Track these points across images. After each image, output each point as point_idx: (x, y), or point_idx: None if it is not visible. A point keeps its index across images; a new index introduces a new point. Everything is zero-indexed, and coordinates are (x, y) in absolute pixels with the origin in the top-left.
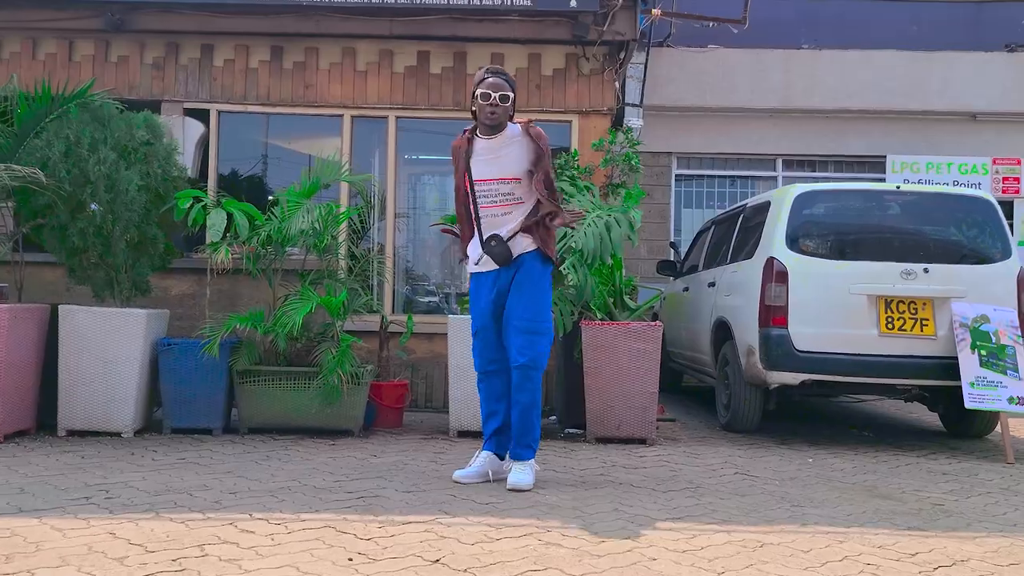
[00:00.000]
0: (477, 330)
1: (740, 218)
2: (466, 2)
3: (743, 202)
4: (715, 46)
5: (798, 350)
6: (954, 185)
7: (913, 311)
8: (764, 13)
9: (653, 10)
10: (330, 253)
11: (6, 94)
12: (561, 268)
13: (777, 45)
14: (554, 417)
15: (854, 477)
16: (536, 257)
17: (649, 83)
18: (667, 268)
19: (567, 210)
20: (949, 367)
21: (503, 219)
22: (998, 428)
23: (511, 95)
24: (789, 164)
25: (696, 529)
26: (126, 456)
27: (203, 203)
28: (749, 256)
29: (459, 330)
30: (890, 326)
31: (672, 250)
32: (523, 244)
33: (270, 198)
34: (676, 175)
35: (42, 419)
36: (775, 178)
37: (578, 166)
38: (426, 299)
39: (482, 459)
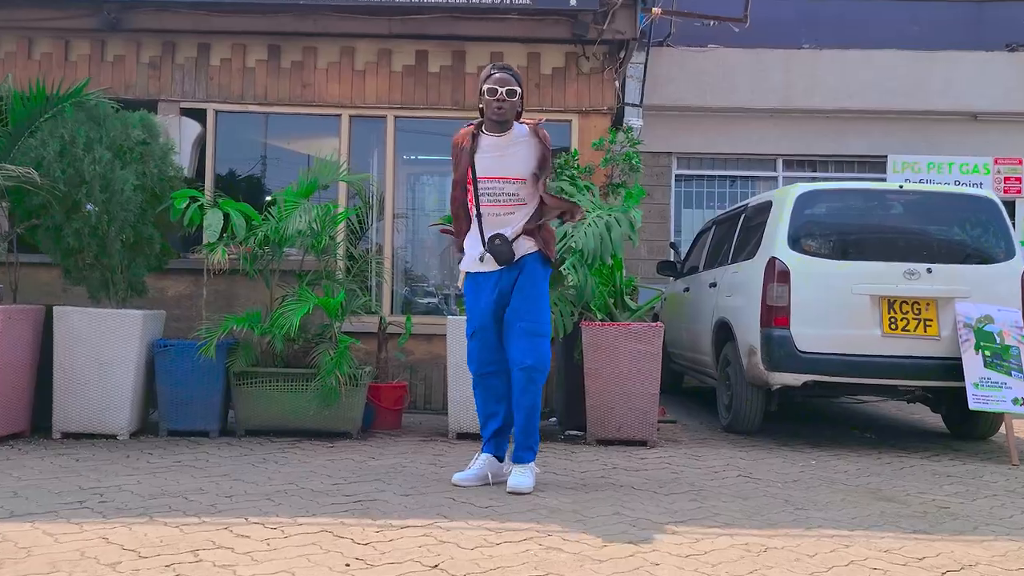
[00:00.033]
0: (475, 331)
1: (741, 218)
2: (465, 1)
3: (744, 202)
4: (715, 46)
5: (800, 351)
6: (956, 185)
7: (916, 311)
8: (764, 13)
9: (653, 9)
10: (328, 254)
11: (1, 93)
12: (561, 268)
13: (777, 45)
14: (554, 419)
15: (858, 479)
16: (538, 259)
17: (649, 83)
18: (667, 268)
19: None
20: (953, 368)
21: (506, 219)
22: (1002, 429)
23: (518, 90)
24: (789, 164)
25: (699, 533)
26: (121, 459)
27: (199, 203)
28: (751, 256)
29: (458, 331)
30: (893, 326)
31: (672, 250)
32: (525, 246)
33: (267, 198)
34: (676, 175)
35: (37, 422)
36: (775, 178)
37: (578, 166)
38: (425, 300)
39: (481, 462)
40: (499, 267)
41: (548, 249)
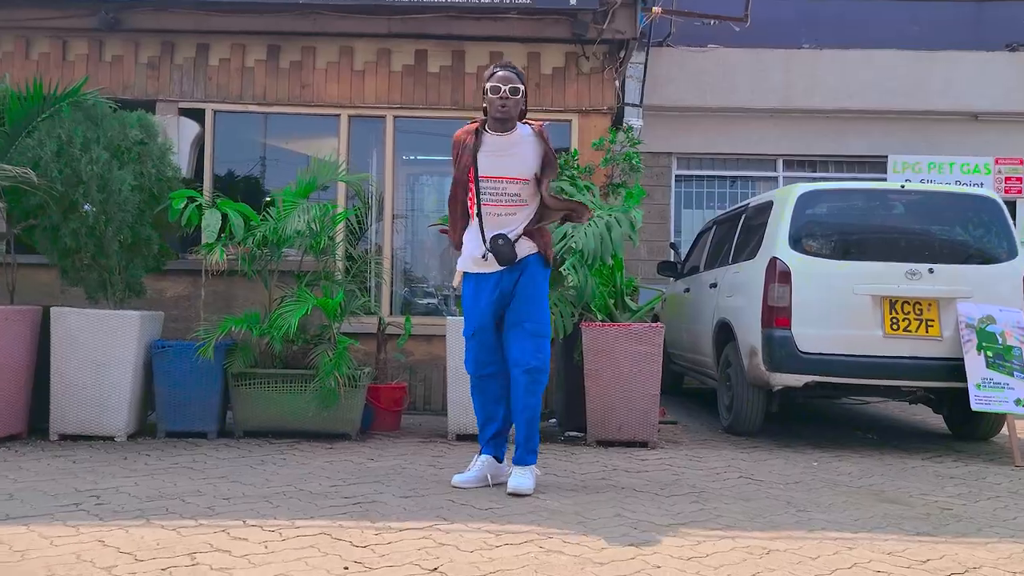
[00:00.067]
0: (474, 331)
1: (742, 218)
2: (464, 0)
3: (745, 202)
4: (715, 46)
5: (801, 351)
6: (956, 185)
7: (918, 312)
8: (764, 13)
9: (653, 8)
10: (327, 254)
11: None
12: (561, 269)
13: (777, 45)
14: (554, 420)
15: (860, 480)
16: (538, 261)
17: (649, 83)
18: (667, 269)
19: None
20: (955, 368)
21: (507, 219)
22: (1004, 430)
23: (521, 87)
24: (790, 164)
25: (701, 535)
26: (118, 461)
27: (198, 203)
28: (751, 256)
29: (458, 332)
30: (895, 327)
31: (672, 251)
32: (526, 247)
33: (266, 199)
34: (676, 175)
35: (34, 423)
36: (775, 178)
37: (578, 166)
38: (424, 301)
39: (481, 463)
40: (500, 268)
41: (547, 251)
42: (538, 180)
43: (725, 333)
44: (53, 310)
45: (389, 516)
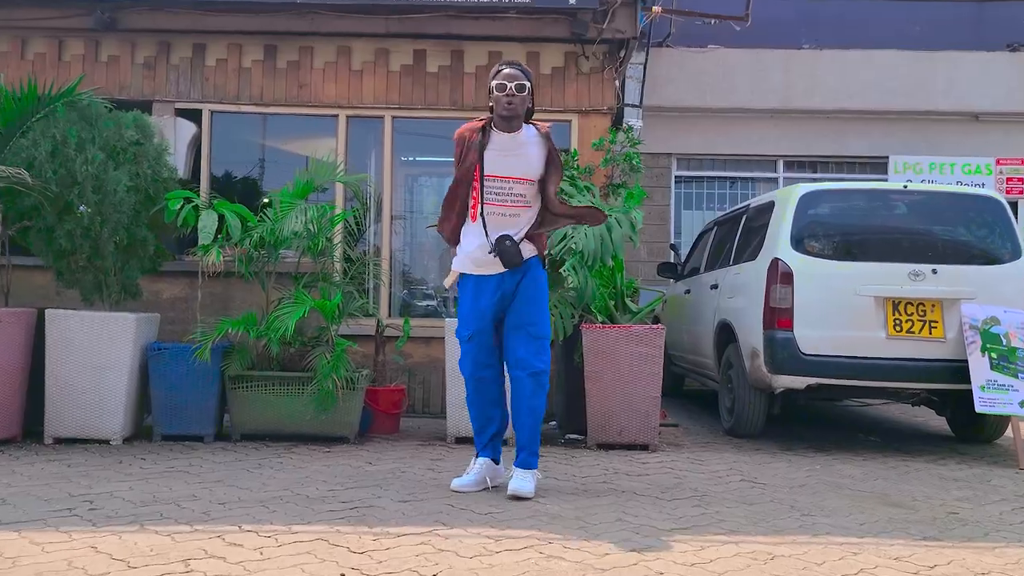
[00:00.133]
0: (473, 333)
1: (743, 219)
2: None
3: (746, 203)
4: (715, 46)
5: (804, 353)
6: (958, 186)
7: (921, 313)
8: (764, 13)
9: (653, 7)
10: (325, 256)
11: None
12: (561, 270)
13: (777, 45)
14: (554, 423)
15: (864, 484)
16: (539, 263)
17: (648, 84)
18: (668, 270)
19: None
20: (959, 370)
21: (510, 220)
22: (1008, 432)
23: (527, 85)
24: (790, 165)
25: (704, 540)
26: (113, 465)
27: (194, 204)
28: (753, 257)
29: None
30: (898, 328)
31: (672, 252)
32: (528, 249)
33: (264, 200)
34: (676, 176)
35: (29, 426)
36: (775, 179)
37: (578, 166)
38: (423, 303)
39: (479, 466)
40: (502, 270)
41: (544, 254)
42: (542, 182)
43: (726, 335)
44: (48, 312)
45: (387, 521)
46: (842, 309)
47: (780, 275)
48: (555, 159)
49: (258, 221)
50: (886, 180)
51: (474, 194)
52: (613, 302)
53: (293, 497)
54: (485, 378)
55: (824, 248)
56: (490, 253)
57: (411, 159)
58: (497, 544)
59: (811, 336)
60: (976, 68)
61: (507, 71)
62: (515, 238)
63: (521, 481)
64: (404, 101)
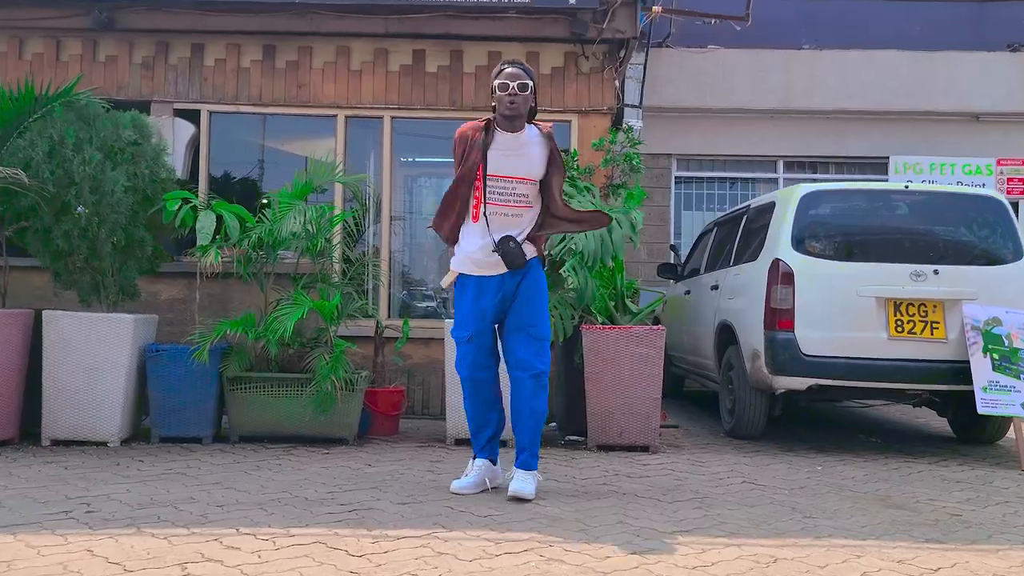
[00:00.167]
0: (472, 334)
1: (744, 219)
2: None
3: (746, 203)
4: (715, 46)
5: (805, 354)
6: (958, 186)
7: (923, 314)
8: (764, 13)
9: (653, 7)
10: (324, 256)
11: None
12: (561, 271)
13: (777, 45)
14: (554, 424)
15: (865, 485)
16: (539, 265)
17: (648, 84)
18: (668, 271)
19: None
20: (960, 371)
21: (513, 220)
22: (1010, 433)
23: (530, 84)
24: (790, 166)
25: (705, 543)
26: (111, 467)
27: (192, 205)
28: (753, 258)
29: None
30: (899, 329)
31: (672, 253)
32: (529, 250)
33: (263, 200)
34: (676, 177)
35: (26, 428)
36: (776, 180)
37: (578, 166)
38: (423, 304)
39: (478, 468)
40: (503, 271)
41: (543, 256)
42: (544, 183)
43: (727, 335)
44: (45, 313)
45: (386, 524)
46: (843, 310)
47: (781, 276)
48: (557, 159)
49: (257, 222)
50: (886, 180)
51: (476, 194)
52: (613, 303)
53: (291, 499)
54: (482, 379)
55: (825, 248)
56: (493, 253)
57: (410, 160)
58: (497, 547)
59: (812, 337)
60: (976, 68)
61: (510, 70)
62: (518, 239)
63: (522, 482)
64: (403, 101)
